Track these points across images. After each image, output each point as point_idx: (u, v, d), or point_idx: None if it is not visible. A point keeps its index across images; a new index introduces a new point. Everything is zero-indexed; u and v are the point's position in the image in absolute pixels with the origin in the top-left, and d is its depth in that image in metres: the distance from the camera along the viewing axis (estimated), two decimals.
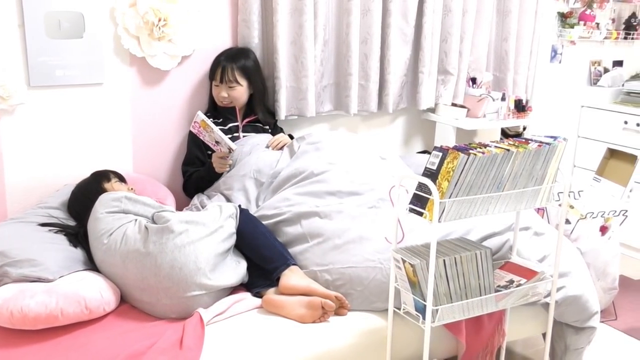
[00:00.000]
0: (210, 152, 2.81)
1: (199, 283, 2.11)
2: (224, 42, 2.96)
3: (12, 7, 2.46)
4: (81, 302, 2.01)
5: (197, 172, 2.83)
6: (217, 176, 2.77)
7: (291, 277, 2.22)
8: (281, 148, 2.82)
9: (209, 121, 2.62)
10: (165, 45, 2.76)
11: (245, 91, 2.92)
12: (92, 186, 2.48)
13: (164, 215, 2.20)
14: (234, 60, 2.87)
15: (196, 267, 2.11)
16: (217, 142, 2.68)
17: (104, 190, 2.43)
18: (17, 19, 2.48)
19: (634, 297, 3.40)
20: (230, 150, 2.69)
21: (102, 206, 2.28)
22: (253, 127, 2.99)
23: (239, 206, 2.38)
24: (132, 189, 2.56)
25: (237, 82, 2.87)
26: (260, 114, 2.99)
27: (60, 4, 2.54)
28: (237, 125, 2.95)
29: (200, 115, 2.62)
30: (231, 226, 2.27)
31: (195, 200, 2.72)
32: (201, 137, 2.70)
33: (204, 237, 2.16)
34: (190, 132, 2.90)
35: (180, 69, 2.87)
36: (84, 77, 2.65)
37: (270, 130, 3.03)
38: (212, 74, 2.90)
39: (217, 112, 2.94)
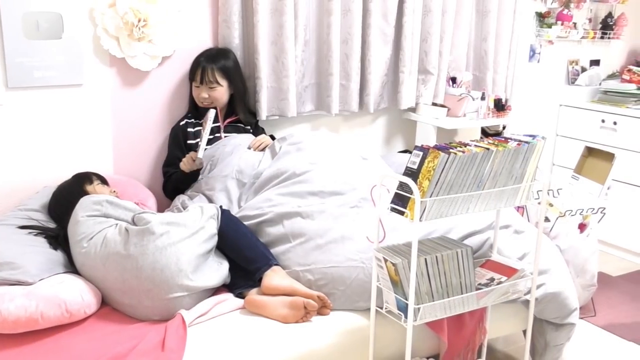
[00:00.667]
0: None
1: (181, 284, 2.10)
2: (205, 43, 2.95)
3: None
4: (62, 305, 1.99)
5: (175, 173, 2.82)
6: (195, 177, 2.76)
7: (273, 277, 2.22)
8: (263, 149, 2.82)
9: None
10: (145, 45, 2.74)
11: (225, 91, 2.91)
12: (73, 188, 2.46)
13: (144, 217, 2.18)
14: (214, 61, 2.87)
15: (178, 268, 2.10)
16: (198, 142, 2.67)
17: (86, 193, 2.41)
18: None
19: (612, 293, 3.45)
20: (200, 163, 2.69)
21: (83, 209, 2.26)
22: (234, 128, 2.98)
23: (221, 207, 2.38)
24: (114, 191, 2.54)
25: (218, 83, 2.87)
26: (241, 115, 2.99)
27: (39, 4, 2.52)
28: (219, 126, 2.95)
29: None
30: (212, 227, 2.27)
31: (177, 201, 2.71)
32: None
33: (185, 238, 2.16)
34: (171, 132, 2.89)
35: (161, 70, 2.86)
36: (63, 78, 2.63)
37: (251, 131, 3.03)
38: (192, 75, 2.89)
39: (198, 112, 2.92)
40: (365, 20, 3.28)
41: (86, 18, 2.63)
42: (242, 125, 3.01)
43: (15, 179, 2.61)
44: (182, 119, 2.92)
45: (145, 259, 2.08)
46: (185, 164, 2.69)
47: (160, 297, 2.09)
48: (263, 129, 3.10)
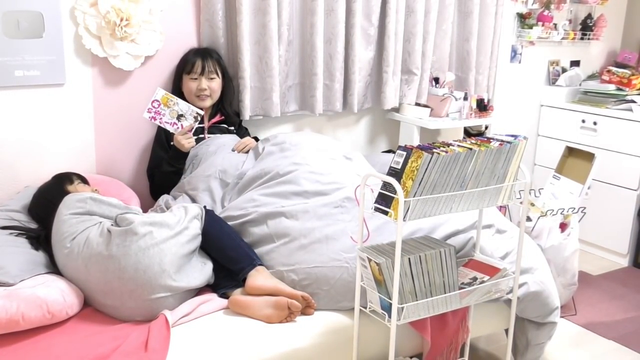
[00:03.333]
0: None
1: (164, 285, 2.09)
2: (188, 42, 2.94)
3: None
4: (43, 306, 1.97)
5: (161, 169, 2.80)
6: (183, 161, 2.77)
7: (257, 277, 2.22)
8: (247, 152, 2.82)
9: (170, 95, 2.60)
10: (127, 45, 2.72)
11: (220, 85, 2.93)
12: (54, 189, 2.44)
13: (127, 217, 2.17)
14: (210, 54, 2.89)
15: (161, 269, 2.09)
16: (179, 117, 2.67)
17: (67, 193, 2.39)
18: None
19: (592, 292, 3.48)
20: (197, 117, 2.67)
21: (67, 207, 2.24)
22: (218, 129, 2.98)
23: (204, 207, 2.37)
24: (96, 190, 2.53)
25: (216, 74, 2.89)
26: (229, 111, 3.00)
27: (19, 3, 2.49)
28: (203, 127, 2.94)
29: (161, 91, 2.60)
30: (196, 227, 2.26)
31: (160, 201, 2.70)
32: (158, 121, 2.67)
33: (169, 238, 2.15)
34: (156, 134, 2.87)
35: (144, 70, 2.84)
36: (44, 77, 2.61)
37: (235, 131, 3.02)
38: (189, 67, 2.86)
39: None
40: (348, 20, 3.29)
41: (67, 17, 2.61)
42: (225, 125, 3.00)
43: None
44: None
45: (128, 259, 2.07)
46: (186, 141, 2.69)
47: (144, 297, 2.08)
48: (246, 129, 3.10)
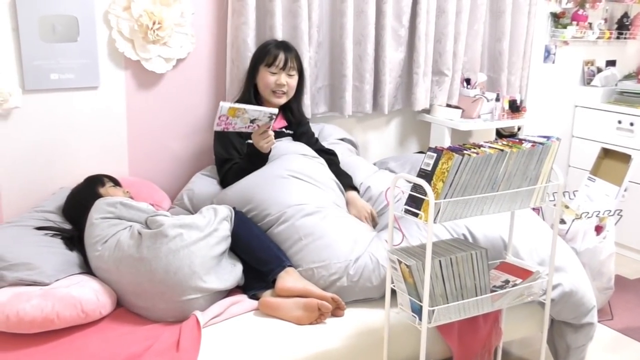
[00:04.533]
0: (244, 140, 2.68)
1: (195, 286, 2.11)
2: (219, 45, 2.96)
3: (6, 11, 2.46)
4: (77, 305, 2.01)
5: (235, 164, 2.65)
6: (264, 160, 2.60)
7: (287, 279, 2.22)
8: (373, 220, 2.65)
9: (236, 104, 2.39)
10: (160, 48, 2.76)
11: (296, 84, 2.82)
12: (86, 191, 2.47)
13: (157, 220, 2.19)
14: (290, 48, 2.80)
15: (191, 270, 2.10)
16: (252, 121, 2.44)
17: (99, 195, 2.42)
18: (11, 22, 2.48)
19: (629, 296, 3.42)
20: (271, 117, 2.44)
21: (97, 212, 2.27)
22: (280, 134, 2.80)
23: (234, 208, 2.38)
24: (127, 192, 2.56)
25: (296, 71, 2.79)
26: (296, 111, 2.87)
27: (55, 7, 2.54)
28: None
29: (225, 105, 2.34)
30: (225, 229, 2.27)
31: (185, 197, 2.70)
32: (231, 129, 2.43)
33: (198, 240, 2.16)
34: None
35: (176, 72, 2.87)
36: (78, 80, 2.65)
37: (293, 133, 2.89)
38: (271, 59, 2.73)
39: (257, 102, 2.76)
40: (378, 21, 3.28)
41: (101, 21, 2.65)
42: (284, 130, 2.87)
43: (32, 181, 2.64)
44: None
45: (158, 262, 2.09)
46: (264, 141, 2.51)
47: (174, 299, 2.10)
48: (314, 136, 2.93)
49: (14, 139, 2.57)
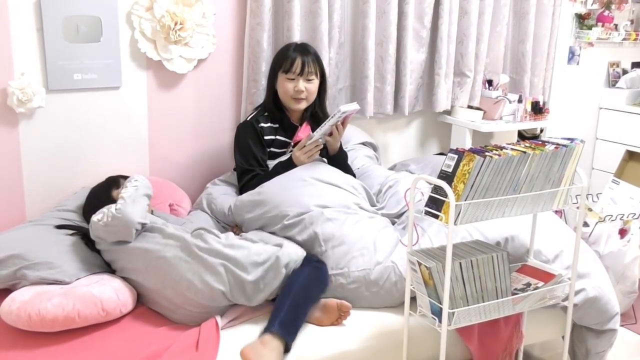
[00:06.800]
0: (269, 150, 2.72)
1: (216, 306, 2.11)
2: (239, 46, 2.97)
3: (30, 11, 2.49)
4: (98, 304, 2.02)
5: (257, 175, 2.63)
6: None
7: (257, 348, 2.03)
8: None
9: (339, 115, 2.52)
10: (181, 48, 2.77)
11: (317, 87, 2.75)
12: (101, 192, 2.45)
13: (205, 238, 2.16)
14: (309, 51, 2.73)
15: (213, 294, 2.08)
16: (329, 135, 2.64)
17: (111, 198, 2.38)
18: (36, 23, 2.51)
19: None
20: (340, 115, 2.56)
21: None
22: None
23: (313, 256, 2.27)
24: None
25: (315, 75, 2.71)
26: (322, 119, 2.75)
27: (78, 8, 2.56)
28: (289, 142, 2.78)
29: (352, 107, 2.57)
30: (271, 279, 2.13)
31: (204, 201, 2.71)
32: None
33: (237, 274, 2.09)
34: (243, 130, 2.70)
35: (197, 73, 2.88)
36: (101, 80, 2.67)
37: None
38: (288, 64, 2.67)
39: (276, 108, 2.74)
40: (400, 22, 3.26)
41: (124, 21, 2.67)
42: None
43: (54, 180, 2.66)
44: (251, 115, 2.75)
45: (184, 275, 2.08)
46: (306, 152, 2.57)
47: (193, 311, 2.10)
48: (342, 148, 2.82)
49: (37, 138, 2.60)
